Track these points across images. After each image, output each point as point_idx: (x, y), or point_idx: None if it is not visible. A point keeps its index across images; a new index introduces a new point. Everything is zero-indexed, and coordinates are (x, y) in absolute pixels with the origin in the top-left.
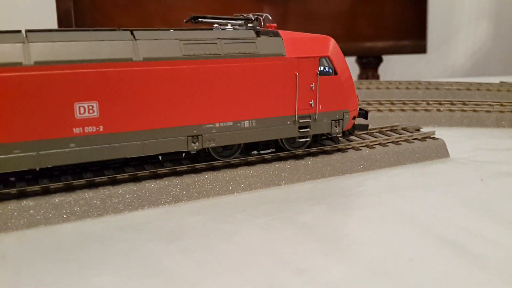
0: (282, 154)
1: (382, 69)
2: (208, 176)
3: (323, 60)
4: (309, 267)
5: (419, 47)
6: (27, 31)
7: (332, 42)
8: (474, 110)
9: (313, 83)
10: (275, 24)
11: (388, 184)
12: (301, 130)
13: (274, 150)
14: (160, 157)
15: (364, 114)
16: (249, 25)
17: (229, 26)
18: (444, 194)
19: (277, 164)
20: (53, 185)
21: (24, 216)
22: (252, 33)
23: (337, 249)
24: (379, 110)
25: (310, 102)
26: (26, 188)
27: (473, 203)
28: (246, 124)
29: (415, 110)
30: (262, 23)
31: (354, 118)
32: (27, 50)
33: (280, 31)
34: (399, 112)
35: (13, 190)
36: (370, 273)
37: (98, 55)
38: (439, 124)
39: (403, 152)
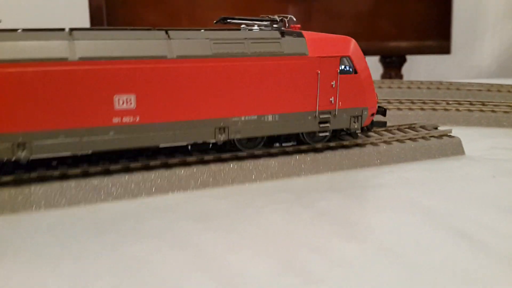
0: (302, 147)
1: (406, 69)
2: (233, 165)
3: (344, 59)
4: (323, 246)
5: (443, 47)
6: (71, 29)
7: (353, 42)
8: (493, 111)
9: (334, 81)
10: (299, 25)
11: (403, 177)
12: (321, 125)
13: (295, 143)
14: (189, 147)
15: (382, 111)
16: (274, 26)
17: (255, 27)
18: (457, 188)
19: (297, 156)
20: (92, 169)
21: (65, 196)
22: (277, 34)
23: (351, 232)
24: (399, 109)
25: (331, 99)
26: (68, 171)
27: (484, 198)
28: (270, 118)
29: (434, 109)
30: (287, 24)
31: (372, 115)
32: (72, 46)
33: (303, 32)
34: (419, 111)
35: (56, 172)
36: (380, 254)
37: (136, 52)
38: (457, 123)
39: (420, 149)
